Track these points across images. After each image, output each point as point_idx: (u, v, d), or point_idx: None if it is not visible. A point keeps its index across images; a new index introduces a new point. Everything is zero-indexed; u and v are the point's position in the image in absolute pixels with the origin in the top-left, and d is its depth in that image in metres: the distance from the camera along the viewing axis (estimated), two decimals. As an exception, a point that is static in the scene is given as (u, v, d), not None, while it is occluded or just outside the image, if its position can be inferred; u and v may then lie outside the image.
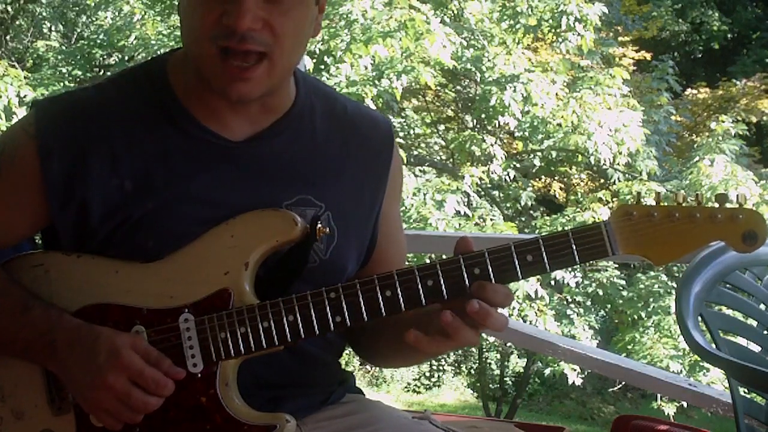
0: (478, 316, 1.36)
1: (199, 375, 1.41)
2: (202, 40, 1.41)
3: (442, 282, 1.39)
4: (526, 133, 10.47)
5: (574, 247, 1.38)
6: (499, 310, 1.39)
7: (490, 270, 1.38)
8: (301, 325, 1.40)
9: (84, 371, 1.39)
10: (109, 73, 10.74)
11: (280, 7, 1.41)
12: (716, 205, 1.37)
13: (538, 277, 9.55)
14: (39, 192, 1.47)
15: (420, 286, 1.39)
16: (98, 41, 11.12)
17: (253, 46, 1.40)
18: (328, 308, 1.40)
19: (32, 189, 1.47)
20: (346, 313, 1.40)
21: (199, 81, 1.48)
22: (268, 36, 1.41)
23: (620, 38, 13.00)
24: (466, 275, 1.38)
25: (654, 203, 1.39)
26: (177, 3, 1.53)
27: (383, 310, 1.40)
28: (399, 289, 1.39)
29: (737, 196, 1.38)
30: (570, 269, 10.32)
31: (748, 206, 1.37)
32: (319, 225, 1.45)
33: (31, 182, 1.47)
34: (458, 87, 11.94)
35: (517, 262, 1.38)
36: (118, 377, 1.36)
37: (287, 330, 1.40)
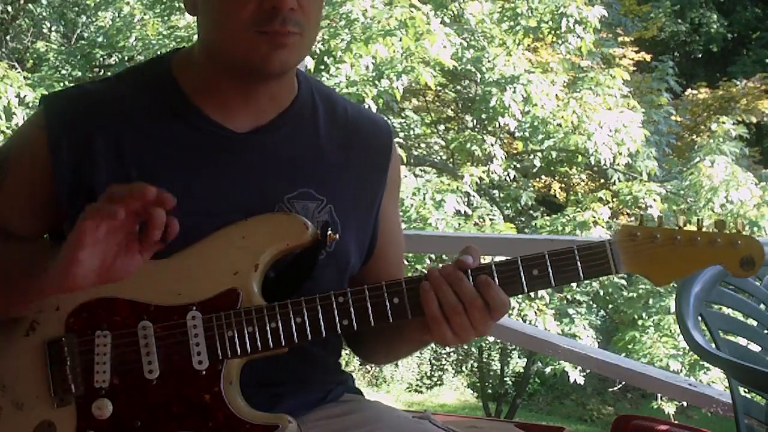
0: (483, 285, 1.39)
1: (204, 372, 1.42)
2: (238, 29, 1.44)
3: None
4: (527, 134, 10.48)
5: (579, 264, 1.42)
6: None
7: (497, 282, 1.41)
8: (308, 327, 1.42)
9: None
10: (109, 74, 10.76)
11: None
12: (716, 230, 1.43)
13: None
14: (49, 183, 1.48)
15: None
16: (98, 42, 11.13)
17: (292, 28, 1.44)
18: (336, 312, 1.42)
19: (44, 180, 1.48)
20: (354, 318, 1.42)
21: (209, 74, 1.50)
22: (302, 17, 1.45)
23: (620, 38, 13.00)
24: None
25: (657, 225, 1.44)
26: (183, 3, 1.54)
27: (390, 316, 1.42)
28: (407, 297, 1.42)
29: (736, 222, 1.44)
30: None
31: (746, 233, 1.43)
32: (329, 231, 1.47)
33: (43, 174, 1.48)
34: (458, 87, 11.95)
35: (523, 276, 1.42)
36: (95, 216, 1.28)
37: (294, 331, 1.42)
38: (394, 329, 1.54)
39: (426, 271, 1.44)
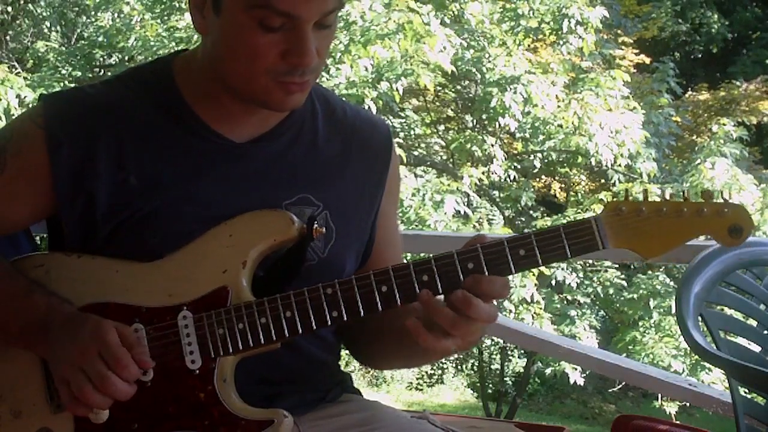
0: (462, 305, 1.36)
1: (197, 371, 1.42)
2: (256, 74, 1.42)
3: (437, 277, 1.40)
4: (527, 135, 10.48)
5: (566, 241, 1.40)
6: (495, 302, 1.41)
7: (484, 264, 1.40)
8: (298, 320, 1.42)
9: (66, 347, 1.39)
10: (109, 74, 10.77)
11: (327, 31, 1.44)
12: (702, 200, 1.40)
13: (535, 282, 9.55)
14: (45, 183, 1.48)
15: (415, 280, 1.40)
16: (98, 42, 11.13)
17: (310, 77, 1.45)
18: (324, 304, 1.41)
19: (38, 180, 1.48)
20: (343, 308, 1.41)
21: (212, 87, 1.50)
22: (318, 62, 1.44)
23: (621, 39, 12.99)
24: (460, 270, 1.40)
25: (642, 199, 1.42)
26: (193, 18, 1.49)
27: (379, 305, 1.41)
28: (395, 284, 1.41)
29: (722, 192, 1.41)
30: (571, 269, 10.32)
31: (734, 201, 1.40)
32: (316, 225, 1.46)
33: (37, 173, 1.48)
34: (458, 87, 11.94)
35: (510, 257, 1.40)
36: (95, 355, 1.36)
37: (285, 326, 1.42)
38: (394, 342, 1.54)
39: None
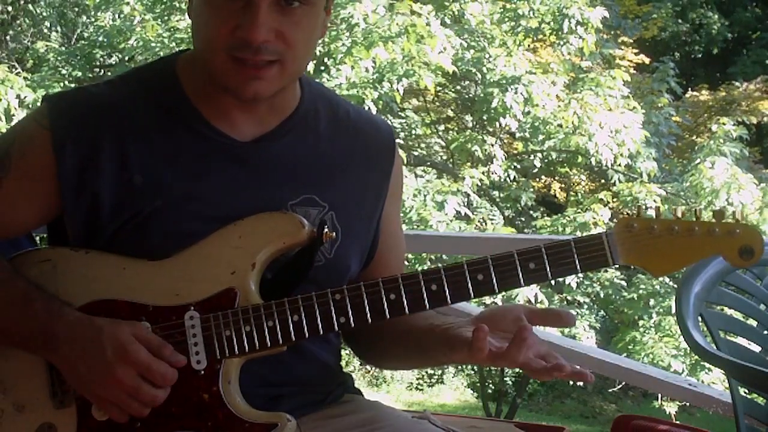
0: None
1: (203, 372, 1.43)
2: (215, 50, 1.43)
3: (445, 287, 1.41)
4: (527, 134, 10.48)
5: (576, 256, 1.41)
6: None
7: (494, 276, 1.41)
8: (305, 324, 1.42)
9: (90, 367, 1.39)
10: (109, 74, 10.75)
11: (293, 17, 1.43)
12: (714, 220, 1.40)
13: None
14: (52, 184, 1.48)
15: (424, 290, 1.41)
16: (98, 41, 11.12)
17: (267, 57, 1.43)
18: (332, 309, 1.42)
19: (45, 181, 1.48)
20: (351, 315, 1.42)
21: (209, 82, 1.50)
22: (281, 46, 1.43)
23: (621, 39, 13.00)
24: (469, 281, 1.41)
25: (654, 216, 1.42)
26: (186, 6, 1.54)
27: (387, 313, 1.42)
28: (403, 293, 1.41)
29: (734, 212, 1.41)
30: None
31: (746, 222, 1.40)
32: (326, 230, 1.47)
33: (44, 174, 1.48)
34: (458, 87, 11.94)
35: (519, 270, 1.41)
36: (127, 372, 1.38)
37: (292, 330, 1.42)
38: (414, 341, 1.54)
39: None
